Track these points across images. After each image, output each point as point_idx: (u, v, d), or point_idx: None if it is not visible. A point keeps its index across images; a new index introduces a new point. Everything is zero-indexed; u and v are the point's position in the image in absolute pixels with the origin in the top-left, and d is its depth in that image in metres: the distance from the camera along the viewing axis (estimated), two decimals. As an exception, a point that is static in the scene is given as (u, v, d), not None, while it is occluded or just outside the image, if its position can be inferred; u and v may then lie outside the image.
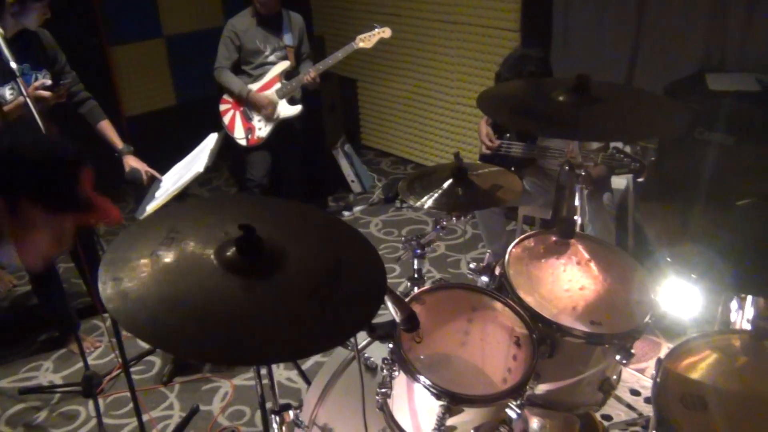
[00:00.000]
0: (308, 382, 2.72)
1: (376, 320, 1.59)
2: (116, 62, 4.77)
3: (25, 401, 2.90)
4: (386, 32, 3.72)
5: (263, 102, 3.70)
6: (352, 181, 4.64)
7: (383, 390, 1.65)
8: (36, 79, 2.67)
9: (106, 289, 1.12)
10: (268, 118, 3.76)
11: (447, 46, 4.50)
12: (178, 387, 2.94)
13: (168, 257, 1.22)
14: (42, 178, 1.37)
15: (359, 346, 2.06)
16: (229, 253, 1.22)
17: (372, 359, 1.99)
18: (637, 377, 2.77)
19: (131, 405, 2.80)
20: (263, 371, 1.44)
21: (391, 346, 1.60)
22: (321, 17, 5.34)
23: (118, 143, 3.12)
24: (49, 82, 2.61)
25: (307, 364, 2.98)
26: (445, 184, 1.88)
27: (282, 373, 2.97)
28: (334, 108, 4.67)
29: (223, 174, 5.06)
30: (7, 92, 2.65)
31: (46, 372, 3.09)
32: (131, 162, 3.07)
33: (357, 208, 4.47)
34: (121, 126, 4.89)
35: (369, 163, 5.15)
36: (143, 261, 1.20)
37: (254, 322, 1.13)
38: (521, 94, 2.18)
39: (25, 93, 2.29)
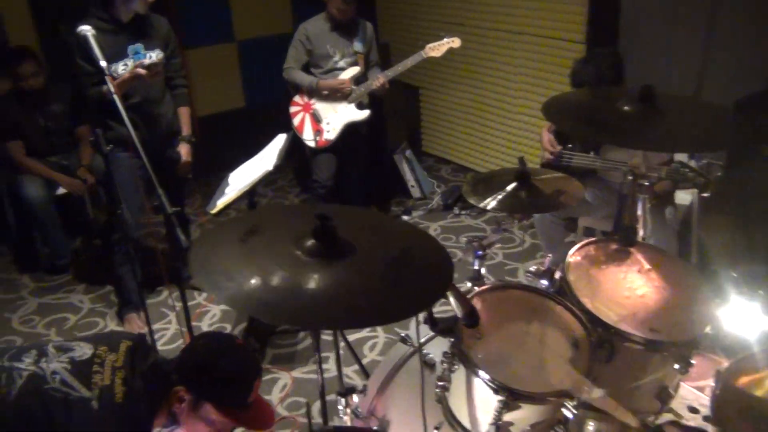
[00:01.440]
0: (367, 376, 2.80)
1: (438, 315, 1.66)
2: (190, 64, 5.00)
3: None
4: (455, 42, 3.79)
5: (335, 84, 3.81)
6: (412, 186, 4.72)
7: (442, 383, 1.71)
8: (149, 58, 2.91)
9: (200, 273, 1.23)
10: (346, 94, 3.85)
11: (511, 56, 4.53)
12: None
13: (251, 245, 1.33)
14: (228, 388, 1.57)
15: (418, 342, 2.13)
16: (307, 241, 1.31)
17: (430, 355, 2.04)
18: (696, 395, 2.72)
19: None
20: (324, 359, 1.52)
21: (452, 340, 1.65)
22: (387, 24, 5.46)
23: (186, 129, 3.33)
24: (152, 59, 2.86)
25: (364, 360, 3.07)
26: (509, 187, 1.93)
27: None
28: (398, 114, 4.76)
29: (288, 175, 5.21)
30: (120, 68, 2.93)
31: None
32: (183, 149, 3.38)
33: (416, 213, 4.54)
34: (193, 124, 5.13)
35: (429, 169, 5.21)
36: (232, 249, 1.31)
37: (332, 296, 1.25)
38: (587, 104, 2.21)
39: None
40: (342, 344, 3.19)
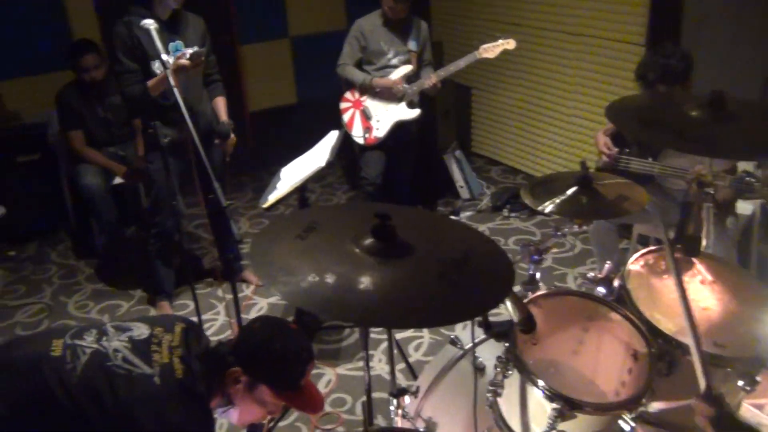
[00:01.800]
0: (414, 376, 2.78)
1: (492, 319, 1.63)
2: (244, 60, 5.07)
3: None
4: (510, 44, 3.73)
5: (388, 83, 3.79)
6: (461, 187, 4.68)
7: (494, 388, 1.68)
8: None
9: (260, 267, 1.24)
10: (398, 96, 3.83)
11: (567, 57, 4.44)
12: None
13: (309, 242, 1.33)
14: (282, 370, 1.62)
15: (468, 346, 2.11)
16: (365, 239, 1.31)
17: (480, 359, 2.02)
18: (754, 412, 2.62)
19: (242, 382, 2.99)
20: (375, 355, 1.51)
21: (506, 345, 1.63)
22: (441, 23, 5.42)
23: (223, 116, 3.35)
24: (189, 52, 2.86)
25: (411, 359, 3.05)
26: (569, 191, 1.88)
27: (384, 367, 3.05)
28: (449, 114, 4.73)
29: (337, 171, 5.23)
30: (156, 65, 2.95)
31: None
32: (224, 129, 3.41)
33: (464, 214, 4.50)
34: (244, 119, 5.21)
35: (479, 170, 5.16)
36: (289, 244, 1.32)
37: (390, 295, 1.24)
38: (652, 107, 2.14)
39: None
40: (385, 344, 3.19)
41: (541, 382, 1.51)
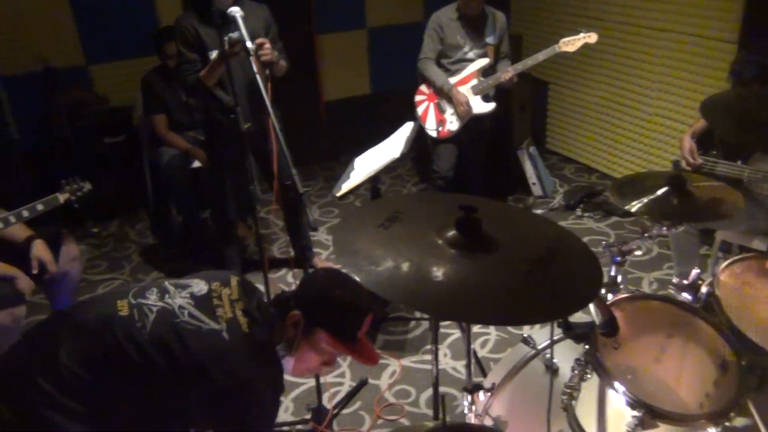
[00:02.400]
0: (484, 374, 2.75)
1: (572, 319, 1.58)
2: (321, 49, 5.11)
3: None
4: (592, 37, 3.62)
5: (462, 100, 3.76)
6: (534, 184, 4.59)
7: (570, 391, 1.64)
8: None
9: (344, 255, 1.24)
10: (459, 116, 3.82)
11: (651, 54, 4.27)
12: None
13: (392, 231, 1.32)
14: (342, 317, 1.64)
15: (541, 346, 2.06)
16: (449, 231, 1.29)
17: (554, 360, 1.97)
18: None
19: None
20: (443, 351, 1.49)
21: (586, 347, 1.58)
22: (520, 16, 5.31)
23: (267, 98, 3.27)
24: (236, 36, 2.72)
25: (479, 354, 3.03)
26: (660, 192, 1.80)
27: (449, 362, 3.03)
28: (524, 109, 4.64)
29: (407, 164, 5.22)
30: (214, 55, 2.99)
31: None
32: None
33: (536, 212, 4.41)
34: (319, 108, 5.27)
35: (552, 167, 5.05)
36: (372, 233, 1.32)
37: (472, 289, 1.22)
38: (746, 107, 2.04)
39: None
40: (451, 338, 3.17)
41: (622, 388, 1.46)
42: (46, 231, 2.95)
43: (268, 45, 2.80)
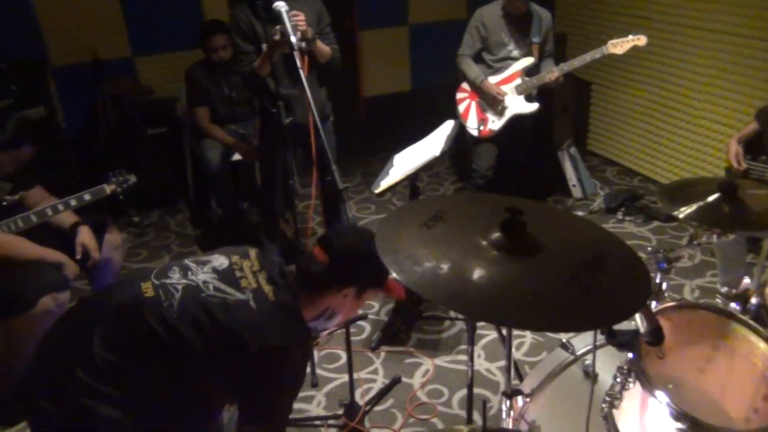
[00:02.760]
0: (520, 377, 2.72)
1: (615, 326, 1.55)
2: (363, 45, 5.11)
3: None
4: (641, 40, 3.55)
5: (493, 92, 3.72)
6: (574, 186, 4.52)
7: (610, 399, 1.60)
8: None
9: (387, 254, 1.24)
10: (495, 111, 3.78)
11: (700, 55, 4.16)
12: (384, 355, 3.10)
13: (436, 231, 1.31)
14: (379, 269, 1.61)
15: (580, 352, 2.03)
16: (493, 233, 1.27)
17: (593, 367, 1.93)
18: None
19: (342, 362, 3.04)
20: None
21: (630, 356, 1.54)
22: (565, 15, 5.23)
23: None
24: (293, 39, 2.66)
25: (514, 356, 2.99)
26: (711, 198, 1.75)
27: (483, 363, 3.00)
28: (566, 109, 4.56)
29: (445, 162, 5.19)
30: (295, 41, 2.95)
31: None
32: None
33: (576, 214, 4.34)
34: (358, 104, 5.27)
35: (593, 169, 4.97)
36: (414, 232, 1.30)
37: (515, 293, 1.20)
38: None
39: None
40: (485, 340, 3.14)
41: (666, 399, 1.42)
42: (90, 218, 3.02)
43: (302, 16, 2.80)
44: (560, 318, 1.16)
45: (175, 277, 1.66)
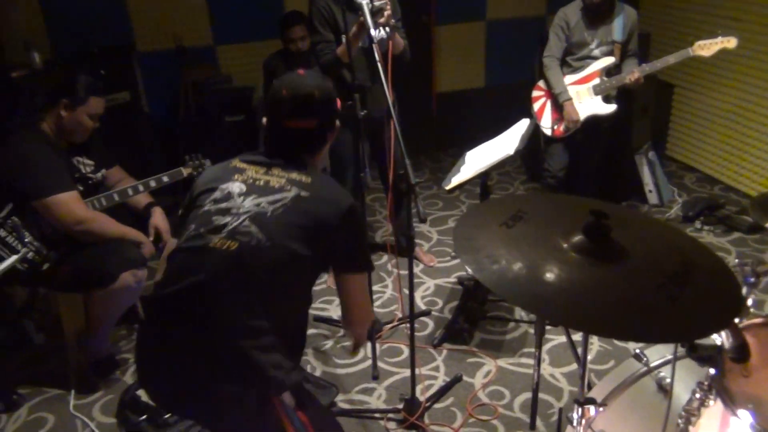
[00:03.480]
0: (588, 385, 2.65)
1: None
2: (438, 40, 5.08)
3: (318, 328, 3.30)
4: (731, 42, 3.39)
5: (572, 117, 3.65)
6: (650, 191, 4.37)
7: (687, 415, 1.54)
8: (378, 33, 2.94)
9: (465, 252, 1.22)
10: (566, 129, 3.70)
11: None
12: (446, 353, 3.08)
13: (516, 231, 1.28)
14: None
15: (654, 363, 1.96)
16: (575, 236, 1.23)
17: (667, 380, 1.87)
18: None
19: (403, 357, 3.04)
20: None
21: (711, 371, 1.47)
22: (650, 13, 5.04)
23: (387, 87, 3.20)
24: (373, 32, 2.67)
25: (573, 366, 2.92)
26: (809, 212, 1.66)
27: (546, 368, 2.95)
28: (646, 112, 4.41)
29: (516, 161, 5.11)
30: (375, 34, 2.96)
31: (337, 307, 3.47)
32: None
33: (663, 221, 4.21)
34: (431, 99, 5.25)
35: (671, 175, 4.79)
36: (493, 231, 1.28)
37: (597, 298, 1.18)
38: None
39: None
40: (551, 345, 3.08)
41: (751, 420, 1.35)
42: (164, 201, 3.12)
43: (388, 8, 2.80)
44: (644, 328, 1.12)
45: (229, 220, 1.68)
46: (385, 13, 2.77)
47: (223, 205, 1.70)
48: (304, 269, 1.70)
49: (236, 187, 1.74)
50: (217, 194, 1.73)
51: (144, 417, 2.56)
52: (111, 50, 4.09)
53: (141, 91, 4.33)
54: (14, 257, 2.50)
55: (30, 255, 2.61)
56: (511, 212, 1.34)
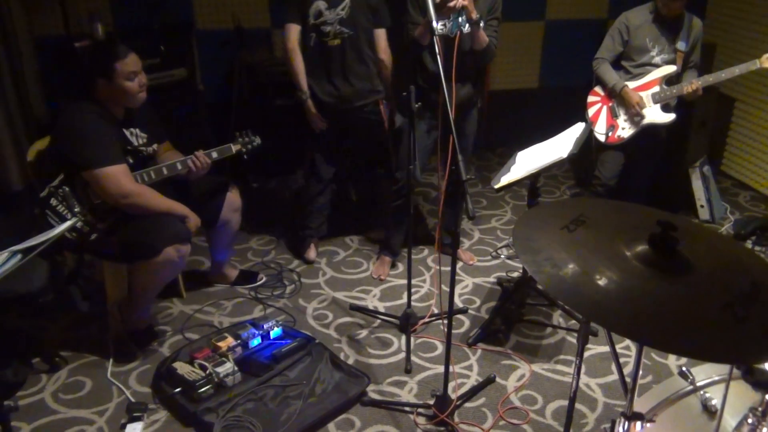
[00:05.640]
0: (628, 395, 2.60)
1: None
2: (495, 38, 5.01)
3: (353, 317, 3.30)
4: None
5: (634, 100, 3.55)
6: (702, 206, 4.25)
7: (736, 439, 1.49)
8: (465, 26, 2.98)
9: (525, 253, 1.20)
10: (631, 120, 3.62)
11: None
12: (480, 353, 3.05)
13: (577, 235, 1.25)
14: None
15: (701, 383, 1.91)
16: (639, 245, 1.20)
17: (714, 401, 1.81)
18: None
19: (436, 353, 3.02)
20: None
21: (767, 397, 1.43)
22: (715, 24, 4.89)
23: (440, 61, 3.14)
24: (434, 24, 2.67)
25: (608, 378, 2.87)
26: None
27: (582, 377, 2.89)
28: (704, 125, 4.29)
29: (564, 165, 5.03)
30: (438, 26, 2.95)
31: (374, 298, 3.47)
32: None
33: (733, 238, 4.09)
34: (482, 97, 5.19)
35: (725, 191, 4.65)
36: (554, 234, 1.26)
37: (658, 311, 1.14)
38: None
39: None
40: (586, 355, 3.02)
41: (807, 452, 1.30)
42: (214, 180, 3.15)
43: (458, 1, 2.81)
44: (707, 346, 1.08)
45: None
46: (450, 4, 2.75)
47: None
48: None
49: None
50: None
51: (178, 389, 2.59)
52: (171, 27, 4.15)
53: (197, 69, 4.38)
54: (64, 225, 2.55)
55: (79, 224, 2.67)
56: (572, 216, 1.30)
